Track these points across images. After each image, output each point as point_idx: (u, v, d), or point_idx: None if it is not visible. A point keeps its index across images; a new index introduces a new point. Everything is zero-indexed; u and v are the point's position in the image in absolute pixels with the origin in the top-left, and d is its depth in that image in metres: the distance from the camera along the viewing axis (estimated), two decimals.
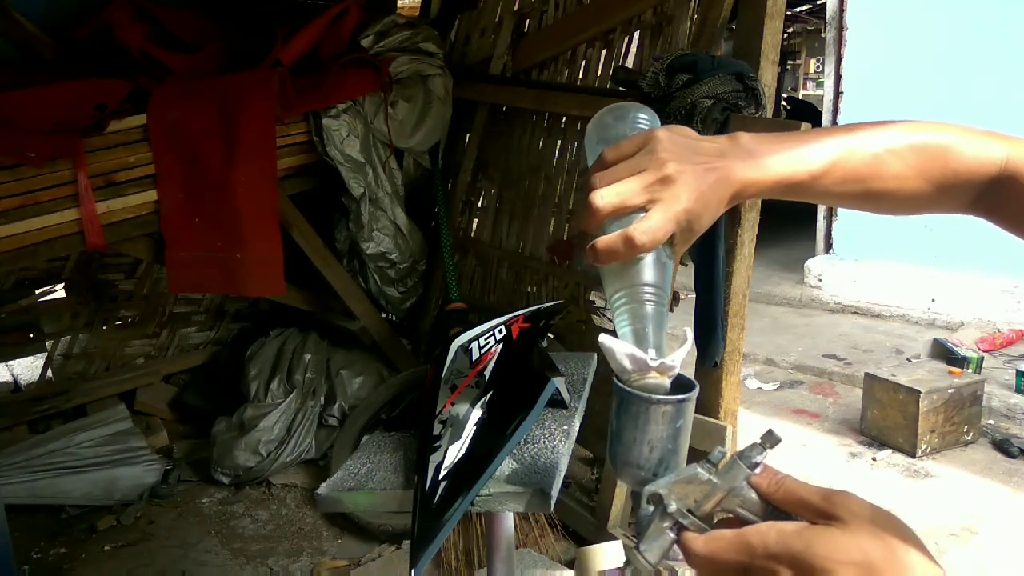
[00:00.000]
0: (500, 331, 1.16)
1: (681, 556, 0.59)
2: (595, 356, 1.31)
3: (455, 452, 0.93)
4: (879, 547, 0.51)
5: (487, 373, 1.06)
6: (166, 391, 3.58)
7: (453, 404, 1.00)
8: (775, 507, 0.58)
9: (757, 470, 0.59)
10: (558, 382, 1.09)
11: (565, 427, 1.04)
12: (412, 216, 3.24)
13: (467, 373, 1.06)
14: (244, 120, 2.63)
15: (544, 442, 1.00)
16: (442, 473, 0.90)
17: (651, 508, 0.60)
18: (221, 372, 3.51)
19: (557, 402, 1.09)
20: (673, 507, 0.59)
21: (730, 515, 0.60)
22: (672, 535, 0.59)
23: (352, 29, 3.04)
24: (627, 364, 0.62)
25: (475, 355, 1.09)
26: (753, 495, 0.58)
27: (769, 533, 0.54)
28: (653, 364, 0.61)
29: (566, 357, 1.30)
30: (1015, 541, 2.55)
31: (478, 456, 0.92)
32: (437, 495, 0.87)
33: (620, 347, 0.62)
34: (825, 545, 0.51)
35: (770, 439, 0.59)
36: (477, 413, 0.99)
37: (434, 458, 0.92)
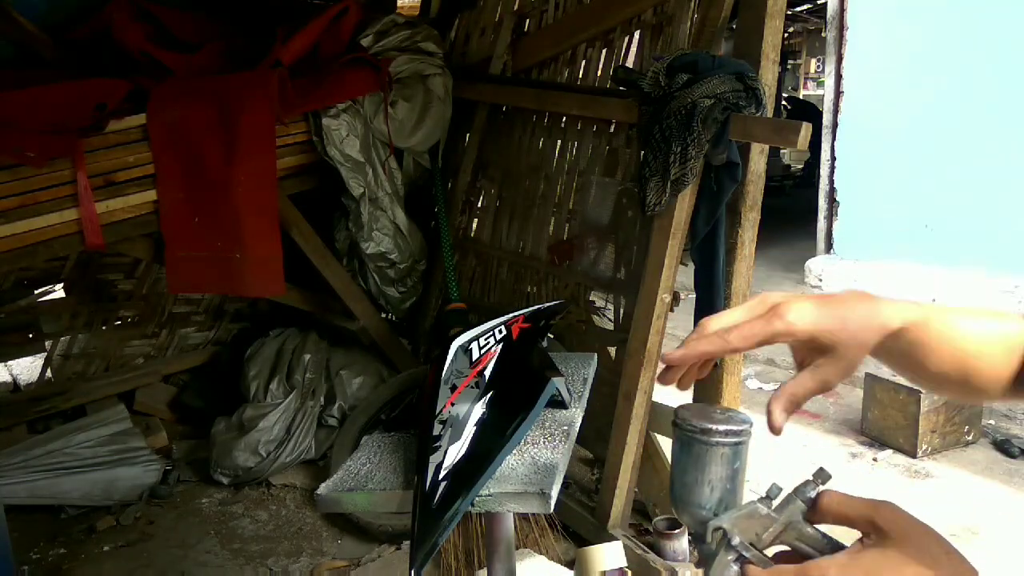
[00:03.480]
0: (500, 331, 1.16)
1: (683, 557, 0.62)
2: (595, 357, 1.31)
3: (455, 452, 0.93)
4: (929, 564, 0.55)
5: (487, 373, 1.06)
6: (165, 391, 3.58)
7: (453, 404, 1.00)
8: (830, 540, 0.61)
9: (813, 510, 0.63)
10: (558, 382, 1.09)
11: (565, 427, 1.04)
12: (412, 216, 3.24)
13: (467, 373, 1.06)
14: (244, 120, 2.63)
15: (544, 442, 1.00)
16: (442, 473, 0.90)
17: (715, 543, 0.64)
18: (221, 372, 3.51)
19: (557, 402, 1.09)
20: (736, 540, 0.63)
21: (788, 549, 0.63)
22: (736, 567, 0.63)
23: (352, 29, 3.04)
24: (712, 421, 0.68)
25: (475, 355, 1.09)
26: (809, 529, 0.63)
27: (830, 568, 0.57)
28: (742, 424, 0.69)
29: (566, 357, 1.30)
30: (1015, 541, 2.54)
31: (478, 456, 0.92)
32: (437, 495, 0.87)
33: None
34: (880, 571, 0.55)
35: (822, 476, 0.65)
36: (477, 413, 0.99)
37: (434, 458, 0.92)
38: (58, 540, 2.70)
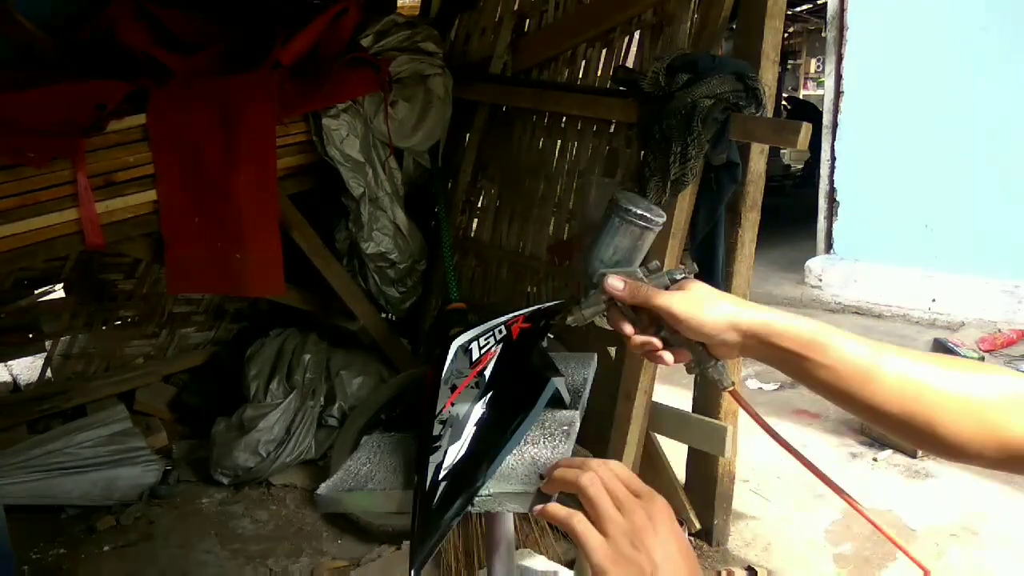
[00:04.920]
0: (500, 331, 1.15)
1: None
2: (595, 357, 1.30)
3: (455, 452, 0.92)
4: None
5: (487, 373, 1.05)
6: (166, 391, 3.58)
7: (453, 404, 1.00)
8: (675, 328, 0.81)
9: (674, 286, 0.83)
10: (558, 382, 1.09)
11: (565, 427, 1.03)
12: (412, 216, 3.24)
13: (467, 373, 1.05)
14: (244, 120, 2.63)
15: (544, 442, 1.00)
16: (442, 473, 0.90)
17: (599, 287, 0.86)
18: (221, 372, 3.51)
19: (557, 402, 1.09)
20: (611, 280, 0.86)
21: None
22: (604, 304, 0.87)
23: (352, 29, 3.04)
24: (647, 208, 0.86)
25: (475, 355, 1.09)
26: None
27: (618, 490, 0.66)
28: (659, 214, 0.87)
29: (566, 357, 1.30)
30: (1015, 541, 2.54)
31: (478, 456, 0.92)
32: (437, 495, 0.87)
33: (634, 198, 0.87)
34: (641, 539, 0.61)
35: (689, 267, 0.86)
36: (477, 413, 0.99)
37: (434, 458, 0.91)
38: (58, 540, 2.70)
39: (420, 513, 0.86)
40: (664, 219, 0.87)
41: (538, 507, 0.68)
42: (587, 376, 1.20)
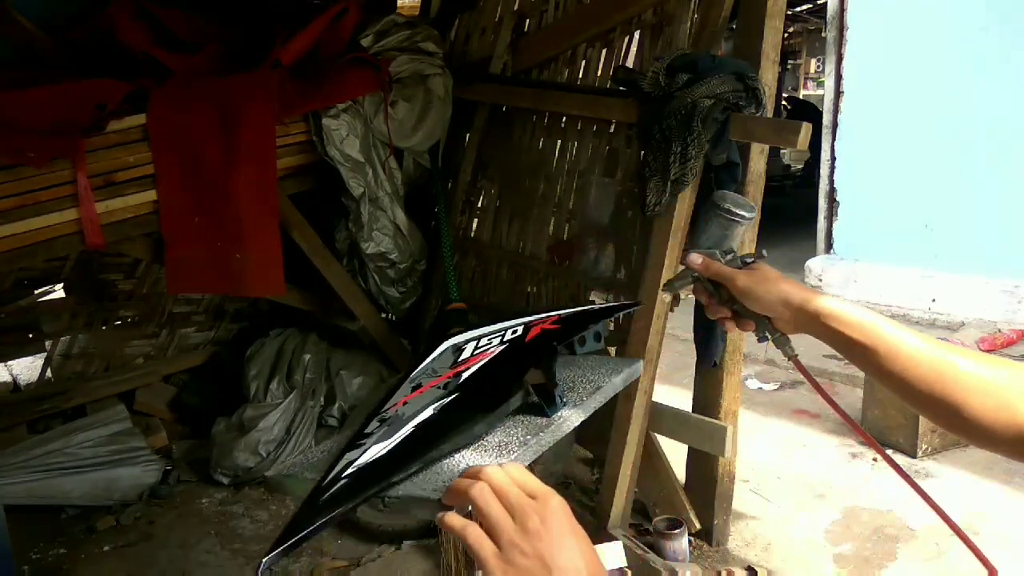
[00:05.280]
0: (515, 331, 1.09)
1: (683, 557, 0.65)
2: (638, 363, 1.25)
3: (375, 452, 0.87)
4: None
5: (465, 375, 0.99)
6: (165, 391, 3.57)
7: (405, 404, 0.94)
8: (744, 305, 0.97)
9: (745, 267, 0.98)
10: (543, 388, 1.05)
11: (530, 438, 0.99)
12: (412, 216, 3.24)
13: (442, 373, 0.99)
14: (244, 120, 2.63)
15: (494, 453, 0.95)
16: (349, 470, 0.84)
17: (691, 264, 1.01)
18: (221, 372, 3.51)
19: (535, 407, 1.05)
20: (699, 260, 1.01)
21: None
22: (690, 281, 1.03)
23: (352, 29, 3.04)
24: (738, 204, 1.00)
25: (464, 355, 1.03)
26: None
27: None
28: (749, 211, 1.01)
29: (597, 361, 1.24)
30: (1015, 541, 2.54)
31: (395, 458, 0.87)
32: (330, 492, 0.82)
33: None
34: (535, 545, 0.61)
35: (761, 254, 1.00)
36: (425, 415, 0.93)
37: (351, 455, 0.86)
38: (58, 540, 2.70)
39: (304, 504, 0.81)
40: (754, 214, 1.01)
41: (439, 516, 0.68)
42: (601, 384, 1.15)
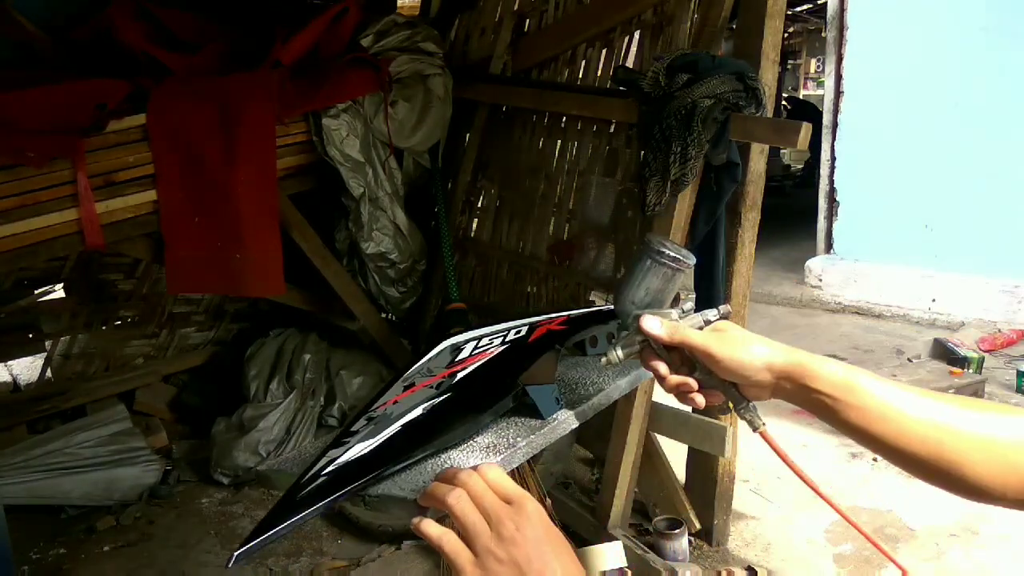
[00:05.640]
0: (519, 331, 1.06)
1: (683, 557, 0.64)
2: (634, 375, 1.23)
3: (358, 451, 0.87)
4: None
5: (460, 375, 0.98)
6: (165, 391, 3.58)
7: (396, 403, 0.93)
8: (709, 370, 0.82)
9: (708, 327, 0.85)
10: (539, 390, 1.04)
11: (520, 440, 0.98)
12: (412, 216, 3.24)
13: (437, 373, 0.98)
14: (244, 120, 2.63)
15: (480, 454, 0.94)
16: (329, 468, 0.85)
17: (633, 328, 0.86)
18: (221, 372, 3.51)
19: (531, 409, 1.04)
20: (648, 322, 0.86)
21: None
22: (638, 348, 0.87)
23: (352, 29, 3.04)
24: (677, 251, 0.87)
25: (461, 355, 1.01)
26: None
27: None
28: (689, 256, 0.87)
29: (583, 363, 1.23)
30: (1015, 541, 2.54)
31: (376, 458, 0.87)
32: (307, 489, 0.83)
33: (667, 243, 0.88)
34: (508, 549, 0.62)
35: (724, 311, 0.87)
36: (413, 414, 0.93)
37: (333, 453, 0.86)
38: (58, 540, 2.70)
39: (281, 501, 0.81)
40: (695, 261, 0.89)
41: (415, 522, 0.68)
42: (603, 387, 1.14)
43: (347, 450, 0.86)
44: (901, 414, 0.74)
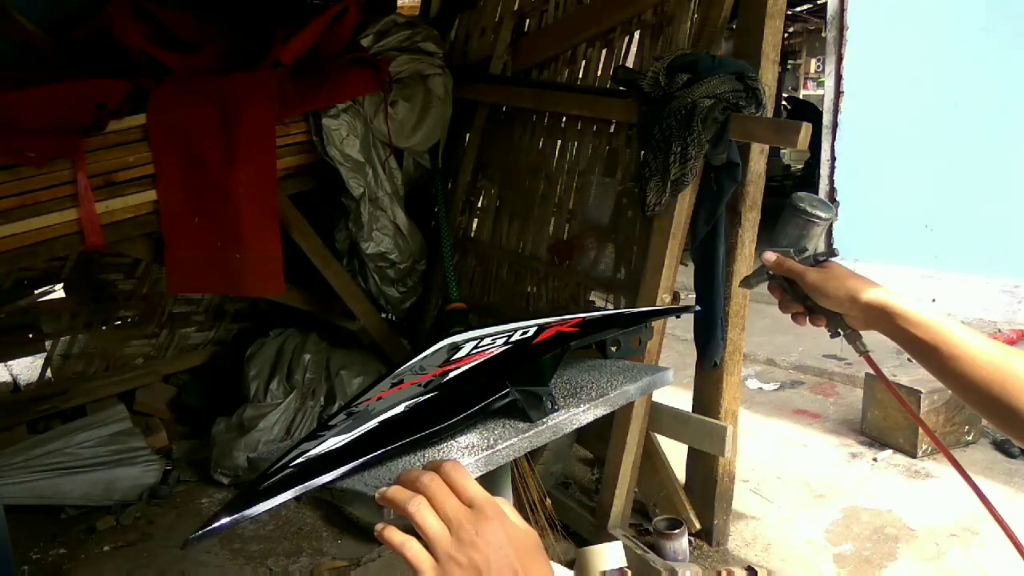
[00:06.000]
0: (525, 332, 1.06)
1: (683, 557, 0.64)
2: (666, 373, 1.21)
3: (330, 444, 0.87)
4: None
5: (453, 374, 0.97)
6: (165, 391, 3.58)
7: (380, 399, 0.93)
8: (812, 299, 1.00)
9: (817, 265, 1.00)
10: (537, 391, 1.02)
11: (500, 443, 0.96)
12: (412, 216, 3.24)
13: (429, 371, 0.97)
14: (244, 120, 2.63)
15: (457, 453, 0.93)
16: (298, 460, 0.84)
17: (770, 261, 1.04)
18: (221, 372, 3.51)
19: (519, 412, 1.01)
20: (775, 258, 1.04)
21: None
22: (765, 278, 1.07)
23: (352, 29, 3.04)
24: (815, 206, 1.03)
25: (458, 354, 1.00)
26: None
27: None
28: (826, 211, 1.03)
29: (620, 369, 1.19)
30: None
31: (346, 454, 0.86)
32: (273, 479, 0.82)
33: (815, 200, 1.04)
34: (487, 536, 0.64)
35: (832, 252, 1.05)
36: (394, 411, 0.92)
37: (306, 445, 0.86)
38: (58, 540, 2.70)
39: (245, 489, 0.81)
40: (831, 215, 1.04)
41: (378, 528, 0.69)
42: (606, 390, 1.11)
43: (320, 443, 0.86)
44: (973, 352, 0.84)
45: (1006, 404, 0.80)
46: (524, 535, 0.66)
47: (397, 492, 0.69)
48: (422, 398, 0.94)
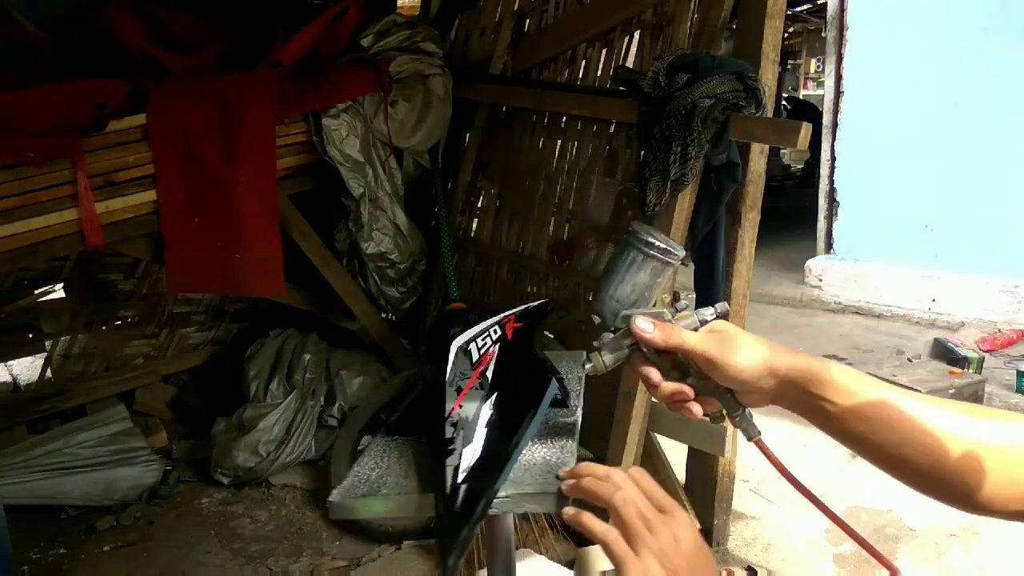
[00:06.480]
0: (495, 331, 1.15)
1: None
2: (584, 354, 1.29)
3: (469, 455, 0.92)
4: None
5: (489, 374, 1.06)
6: (165, 391, 3.57)
7: (461, 406, 1.00)
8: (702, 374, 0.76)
9: (704, 327, 0.77)
10: (558, 381, 1.09)
11: (570, 426, 1.04)
12: (412, 216, 3.24)
13: (470, 375, 1.06)
14: (244, 120, 2.63)
15: (552, 441, 1.00)
16: (460, 476, 0.89)
17: (620, 330, 0.78)
18: (221, 372, 3.51)
19: (558, 401, 1.09)
20: (639, 323, 0.78)
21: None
22: (626, 352, 0.79)
23: (352, 29, 3.04)
24: (664, 240, 0.81)
25: (475, 356, 1.09)
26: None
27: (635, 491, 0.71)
28: (676, 249, 0.80)
29: (558, 356, 1.30)
30: (1015, 541, 2.54)
31: (492, 458, 0.92)
32: (459, 498, 0.87)
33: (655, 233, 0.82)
34: (659, 540, 0.66)
35: (721, 308, 0.79)
36: (485, 414, 0.99)
37: (450, 461, 0.91)
38: (58, 540, 2.70)
39: (445, 517, 0.86)
40: (684, 254, 0.82)
41: (570, 513, 0.71)
42: (581, 375, 1.20)
43: (460, 456, 0.92)
44: (910, 423, 0.70)
45: (948, 478, 0.69)
46: (707, 549, 0.69)
47: (596, 485, 0.71)
48: (492, 397, 1.02)
